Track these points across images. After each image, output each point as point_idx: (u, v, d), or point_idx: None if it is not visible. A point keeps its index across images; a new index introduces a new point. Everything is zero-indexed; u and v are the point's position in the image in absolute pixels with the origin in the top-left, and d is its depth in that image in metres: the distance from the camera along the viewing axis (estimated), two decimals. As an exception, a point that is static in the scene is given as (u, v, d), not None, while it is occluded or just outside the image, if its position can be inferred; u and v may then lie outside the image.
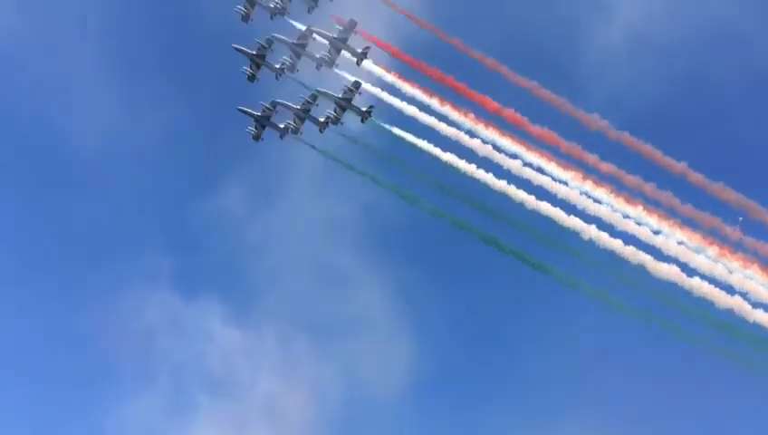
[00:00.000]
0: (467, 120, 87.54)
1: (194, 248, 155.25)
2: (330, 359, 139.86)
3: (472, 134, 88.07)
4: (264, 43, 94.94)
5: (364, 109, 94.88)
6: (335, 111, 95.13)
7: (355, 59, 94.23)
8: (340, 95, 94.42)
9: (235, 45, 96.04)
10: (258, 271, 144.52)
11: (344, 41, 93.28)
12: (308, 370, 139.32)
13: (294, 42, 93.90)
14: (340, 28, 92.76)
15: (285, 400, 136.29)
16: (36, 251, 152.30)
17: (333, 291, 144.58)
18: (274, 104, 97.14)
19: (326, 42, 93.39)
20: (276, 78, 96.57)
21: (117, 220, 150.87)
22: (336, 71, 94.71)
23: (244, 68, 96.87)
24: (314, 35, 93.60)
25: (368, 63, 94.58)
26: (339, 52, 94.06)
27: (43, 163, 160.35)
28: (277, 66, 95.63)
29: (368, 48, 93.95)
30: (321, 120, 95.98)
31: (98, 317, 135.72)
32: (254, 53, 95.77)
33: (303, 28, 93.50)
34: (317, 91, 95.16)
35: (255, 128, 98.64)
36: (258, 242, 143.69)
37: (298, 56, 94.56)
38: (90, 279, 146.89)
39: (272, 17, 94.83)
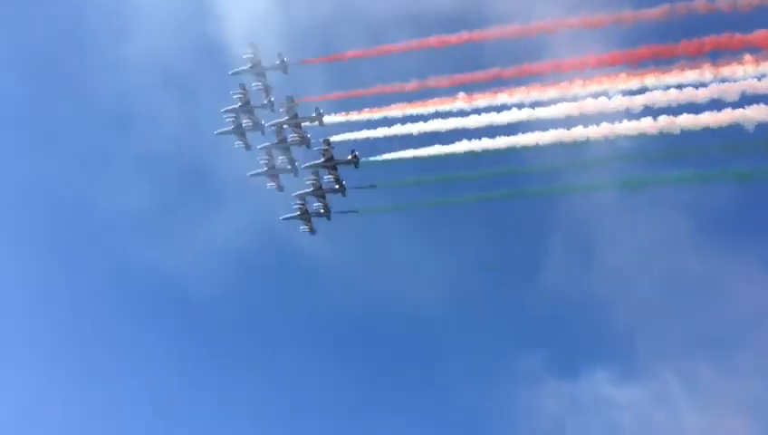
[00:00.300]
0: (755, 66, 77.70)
1: (549, 332, 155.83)
2: (744, 371, 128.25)
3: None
4: (266, 157, 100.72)
5: (349, 157, 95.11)
6: (330, 174, 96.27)
7: (317, 123, 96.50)
8: (322, 160, 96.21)
9: (250, 173, 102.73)
10: (618, 320, 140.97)
11: (295, 116, 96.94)
12: (728, 390, 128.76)
13: (276, 142, 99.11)
14: (284, 109, 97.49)
15: (725, 430, 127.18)
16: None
17: (705, 303, 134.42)
18: (302, 196, 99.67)
19: (286, 126, 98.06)
20: (295, 175, 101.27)
21: (492, 345, 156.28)
22: (320, 139, 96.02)
23: (269, 185, 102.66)
24: (282, 126, 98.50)
25: (329, 118, 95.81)
26: (299, 126, 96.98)
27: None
28: (288, 167, 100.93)
29: (318, 109, 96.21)
30: (337, 187, 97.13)
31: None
32: (266, 169, 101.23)
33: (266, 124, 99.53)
34: (308, 167, 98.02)
35: (306, 224, 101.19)
36: (604, 294, 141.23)
37: (288, 150, 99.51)
38: (491, 407, 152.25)
39: (263, 133, 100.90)
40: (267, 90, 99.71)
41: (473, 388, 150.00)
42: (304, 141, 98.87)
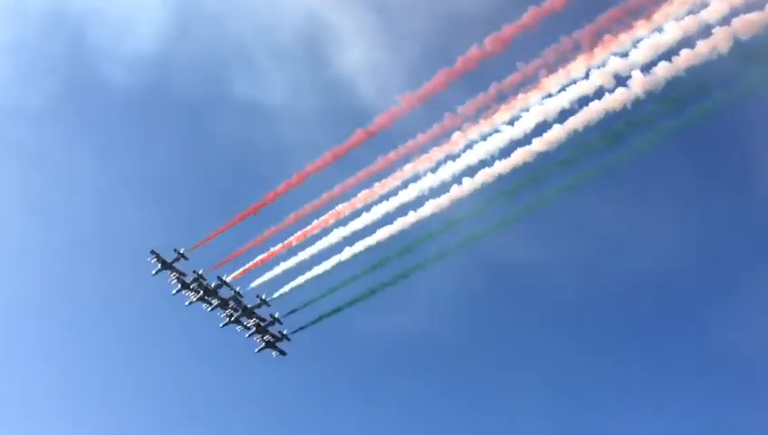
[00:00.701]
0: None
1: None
2: None
3: None
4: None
5: (257, 302, 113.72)
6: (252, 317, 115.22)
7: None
8: (240, 312, 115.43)
9: (189, 303, 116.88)
10: None
11: (207, 289, 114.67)
12: None
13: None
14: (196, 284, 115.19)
15: None
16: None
17: None
18: (253, 335, 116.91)
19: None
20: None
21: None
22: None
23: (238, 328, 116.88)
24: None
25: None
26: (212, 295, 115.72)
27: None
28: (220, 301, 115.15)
29: (219, 277, 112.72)
30: (271, 320, 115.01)
31: None
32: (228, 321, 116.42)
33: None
34: (236, 320, 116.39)
35: (274, 350, 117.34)
36: None
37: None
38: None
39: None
40: (181, 277, 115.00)
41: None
42: (229, 301, 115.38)
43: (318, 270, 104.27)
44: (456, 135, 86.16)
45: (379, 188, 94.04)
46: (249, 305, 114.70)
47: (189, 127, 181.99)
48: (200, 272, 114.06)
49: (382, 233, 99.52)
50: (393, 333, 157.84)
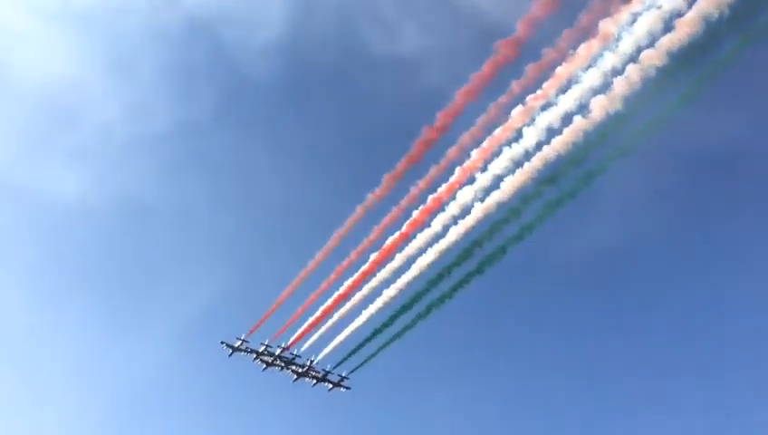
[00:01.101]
0: None
1: None
2: None
3: None
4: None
5: (307, 366, 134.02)
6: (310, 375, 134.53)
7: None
8: (296, 377, 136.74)
9: (263, 370, 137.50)
10: None
11: (271, 355, 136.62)
12: None
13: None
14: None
15: None
16: None
17: None
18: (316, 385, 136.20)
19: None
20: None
21: None
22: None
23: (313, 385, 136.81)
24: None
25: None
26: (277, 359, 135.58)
27: None
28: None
29: (281, 344, 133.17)
30: (324, 373, 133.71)
31: None
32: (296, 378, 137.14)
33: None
34: (296, 380, 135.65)
35: (343, 387, 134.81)
36: None
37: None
38: None
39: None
40: (250, 350, 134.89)
41: None
42: (289, 363, 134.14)
43: (497, 196, 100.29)
44: (605, 22, 77.95)
45: (534, 100, 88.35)
46: (303, 368, 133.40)
47: (339, 96, 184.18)
48: (266, 342, 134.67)
49: (552, 147, 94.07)
50: (585, 250, 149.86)
